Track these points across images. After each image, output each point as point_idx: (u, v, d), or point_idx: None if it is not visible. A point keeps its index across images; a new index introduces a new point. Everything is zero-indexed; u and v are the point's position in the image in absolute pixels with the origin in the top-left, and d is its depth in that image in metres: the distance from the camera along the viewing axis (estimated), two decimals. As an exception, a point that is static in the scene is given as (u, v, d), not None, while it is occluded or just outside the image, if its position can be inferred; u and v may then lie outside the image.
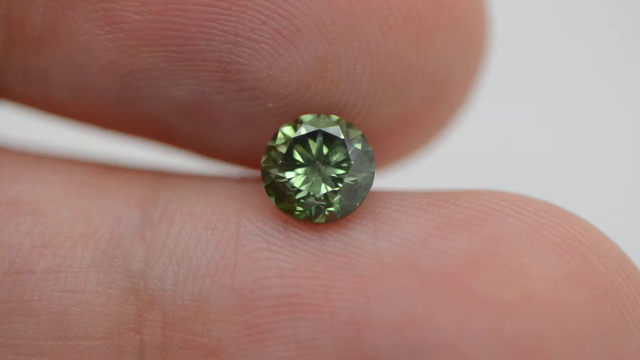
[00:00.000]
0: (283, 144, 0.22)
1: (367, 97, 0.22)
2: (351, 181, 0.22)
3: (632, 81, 0.49)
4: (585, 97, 0.49)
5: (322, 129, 0.22)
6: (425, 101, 0.22)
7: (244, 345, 0.21)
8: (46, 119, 0.25)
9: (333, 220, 0.22)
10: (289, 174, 0.22)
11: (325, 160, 0.22)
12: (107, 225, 0.23)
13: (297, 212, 0.22)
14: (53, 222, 0.23)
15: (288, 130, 0.22)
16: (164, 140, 0.25)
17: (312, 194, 0.22)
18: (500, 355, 0.20)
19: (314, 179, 0.22)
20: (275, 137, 0.22)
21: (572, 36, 0.51)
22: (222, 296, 0.22)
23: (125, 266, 0.23)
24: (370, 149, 0.22)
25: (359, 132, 0.22)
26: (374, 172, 0.22)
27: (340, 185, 0.22)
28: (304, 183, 0.22)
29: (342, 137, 0.22)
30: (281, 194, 0.22)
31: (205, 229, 0.23)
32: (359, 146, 0.22)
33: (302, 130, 0.22)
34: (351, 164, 0.22)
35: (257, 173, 0.24)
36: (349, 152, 0.22)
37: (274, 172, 0.22)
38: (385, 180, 0.25)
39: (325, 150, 0.22)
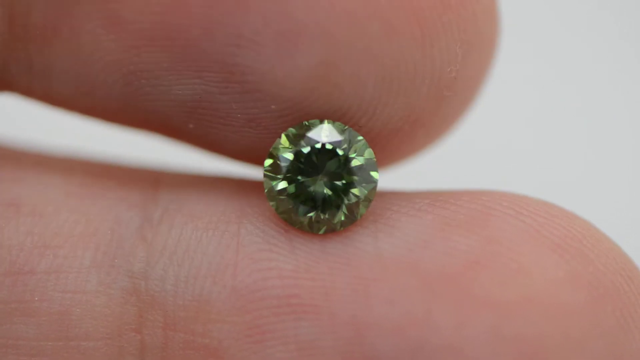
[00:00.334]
0: (286, 153, 0.22)
1: (372, 100, 0.22)
2: (354, 194, 0.22)
3: (633, 81, 0.49)
4: (585, 98, 0.49)
5: (327, 141, 0.22)
6: (432, 102, 0.22)
7: (245, 345, 0.21)
8: (50, 111, 0.25)
9: (333, 231, 0.22)
10: (290, 185, 0.22)
11: (328, 172, 0.22)
12: (107, 225, 0.23)
13: (297, 226, 0.22)
14: (53, 223, 0.23)
15: (292, 137, 0.22)
16: (169, 135, 0.25)
17: (313, 207, 0.22)
18: (500, 356, 0.20)
19: (316, 190, 0.22)
20: (278, 144, 0.22)
21: (573, 36, 0.51)
22: (223, 297, 0.22)
23: (126, 267, 0.23)
24: (374, 159, 0.22)
25: (363, 141, 0.22)
26: (376, 184, 0.22)
27: (342, 197, 0.22)
28: (305, 195, 0.22)
29: (346, 149, 0.22)
30: (282, 204, 0.22)
31: (206, 230, 0.23)
32: (363, 159, 0.22)
33: (306, 142, 0.22)
34: (354, 178, 0.22)
35: (259, 172, 0.24)
36: (353, 165, 0.22)
37: (276, 180, 0.22)
38: (386, 180, 0.25)
39: (328, 161, 0.22)
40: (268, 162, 0.22)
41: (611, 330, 0.20)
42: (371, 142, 0.23)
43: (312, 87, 0.22)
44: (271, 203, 0.22)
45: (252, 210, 0.23)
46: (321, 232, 0.22)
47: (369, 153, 0.22)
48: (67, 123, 0.27)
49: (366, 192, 0.22)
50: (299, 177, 0.22)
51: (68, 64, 0.23)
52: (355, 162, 0.22)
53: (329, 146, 0.22)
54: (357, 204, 0.22)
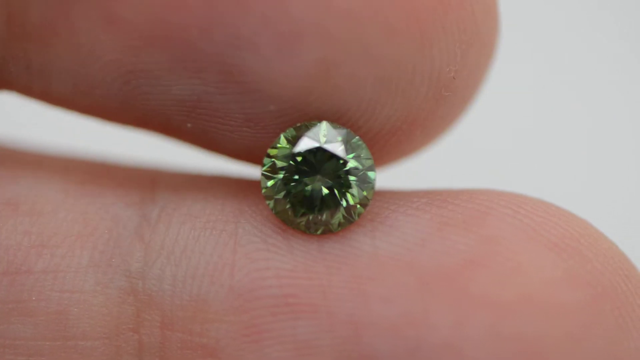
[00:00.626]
0: (284, 155, 0.22)
1: (370, 101, 0.22)
2: (352, 196, 0.22)
3: (632, 81, 0.49)
4: (584, 97, 0.49)
5: (324, 145, 0.22)
6: (430, 102, 0.22)
7: (242, 345, 0.21)
8: (48, 110, 0.25)
9: (331, 232, 0.22)
10: (288, 186, 0.22)
11: (326, 173, 0.22)
12: (105, 225, 0.23)
13: (294, 226, 0.22)
14: (51, 222, 0.23)
15: (290, 138, 0.22)
16: (167, 134, 0.25)
17: (310, 208, 0.22)
18: (498, 355, 0.20)
19: (313, 192, 0.22)
20: (276, 144, 0.22)
21: (572, 36, 0.51)
22: (220, 296, 0.22)
23: (124, 266, 0.23)
24: (372, 160, 0.22)
25: (361, 142, 0.22)
26: (374, 185, 0.22)
27: (340, 199, 0.22)
28: (302, 196, 0.22)
29: (344, 150, 0.22)
30: (279, 205, 0.22)
31: (203, 229, 0.23)
32: (360, 159, 0.22)
33: (304, 145, 0.22)
34: (352, 179, 0.22)
35: (257, 172, 0.24)
36: (351, 167, 0.22)
37: (273, 181, 0.22)
38: (383, 179, 0.25)
39: (326, 163, 0.22)
40: (266, 162, 0.22)
41: (609, 329, 0.20)
42: (369, 142, 0.23)
43: (310, 88, 0.21)
44: (268, 203, 0.22)
45: (249, 210, 0.23)
46: (318, 232, 0.22)
47: (366, 154, 0.22)
48: (65, 122, 0.27)
49: (364, 193, 0.22)
50: (297, 178, 0.22)
51: (66, 63, 0.23)
52: (353, 163, 0.22)
53: (327, 147, 0.22)
54: (354, 205, 0.22)
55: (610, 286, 0.21)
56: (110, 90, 0.23)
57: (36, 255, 0.22)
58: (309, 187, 0.22)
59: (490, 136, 0.45)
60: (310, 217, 0.22)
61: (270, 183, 0.22)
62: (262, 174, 0.22)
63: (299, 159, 0.22)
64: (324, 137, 0.22)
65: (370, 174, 0.22)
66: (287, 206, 0.22)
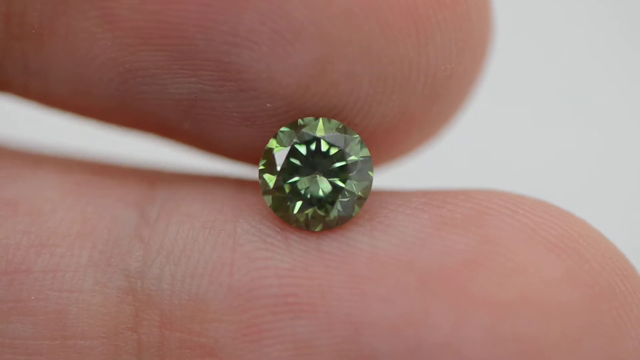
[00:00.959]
0: (281, 150, 0.22)
1: (367, 98, 0.22)
2: (349, 191, 0.22)
3: (632, 81, 0.49)
4: (583, 97, 0.49)
5: (322, 137, 0.22)
6: (427, 100, 0.22)
7: (242, 344, 0.21)
8: (46, 112, 0.25)
9: (329, 228, 0.22)
10: (286, 182, 0.22)
11: (324, 169, 0.22)
12: (104, 224, 0.23)
13: (293, 223, 0.22)
14: (50, 222, 0.23)
15: (287, 135, 0.22)
16: (165, 135, 0.25)
17: (309, 204, 0.22)
18: (497, 355, 0.20)
19: (311, 188, 0.22)
20: (273, 140, 0.22)
21: (567, 34, 0.51)
22: (219, 296, 0.22)
23: (123, 265, 0.23)
24: (369, 155, 0.22)
25: (358, 138, 0.22)
26: (372, 180, 0.22)
27: (338, 194, 0.22)
28: (301, 192, 0.22)
29: (342, 146, 0.22)
30: (278, 201, 0.22)
31: (202, 229, 0.23)
32: (358, 155, 0.22)
33: (301, 138, 0.22)
34: (350, 175, 0.22)
35: (255, 171, 0.24)
36: (348, 162, 0.22)
37: (271, 178, 0.22)
38: (382, 179, 0.25)
39: (323, 159, 0.22)
40: (263, 160, 0.22)
41: (607, 329, 0.20)
42: (366, 140, 0.23)
43: (307, 85, 0.22)
44: (267, 201, 0.22)
45: (248, 209, 0.23)
46: (317, 229, 0.22)
47: (364, 151, 0.22)
48: (65, 122, 0.27)
49: (361, 189, 0.22)
50: (294, 175, 0.22)
51: (64, 62, 0.23)
52: (350, 160, 0.22)
53: (324, 144, 0.22)
54: (352, 200, 0.22)
55: (608, 286, 0.21)
56: (107, 90, 0.23)
57: (35, 254, 0.22)
58: (306, 184, 0.22)
59: (488, 136, 0.45)
60: (309, 213, 0.22)
61: (268, 179, 0.22)
62: (260, 172, 0.22)
63: (296, 156, 0.22)
64: (320, 133, 0.22)
65: (368, 170, 0.22)
66: (286, 203, 0.22)
